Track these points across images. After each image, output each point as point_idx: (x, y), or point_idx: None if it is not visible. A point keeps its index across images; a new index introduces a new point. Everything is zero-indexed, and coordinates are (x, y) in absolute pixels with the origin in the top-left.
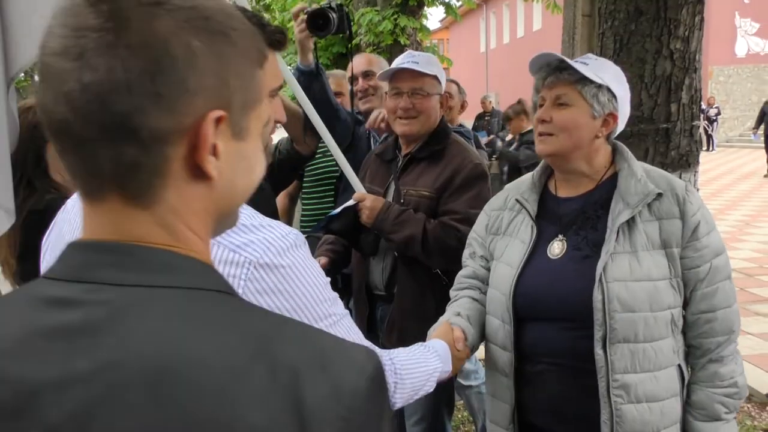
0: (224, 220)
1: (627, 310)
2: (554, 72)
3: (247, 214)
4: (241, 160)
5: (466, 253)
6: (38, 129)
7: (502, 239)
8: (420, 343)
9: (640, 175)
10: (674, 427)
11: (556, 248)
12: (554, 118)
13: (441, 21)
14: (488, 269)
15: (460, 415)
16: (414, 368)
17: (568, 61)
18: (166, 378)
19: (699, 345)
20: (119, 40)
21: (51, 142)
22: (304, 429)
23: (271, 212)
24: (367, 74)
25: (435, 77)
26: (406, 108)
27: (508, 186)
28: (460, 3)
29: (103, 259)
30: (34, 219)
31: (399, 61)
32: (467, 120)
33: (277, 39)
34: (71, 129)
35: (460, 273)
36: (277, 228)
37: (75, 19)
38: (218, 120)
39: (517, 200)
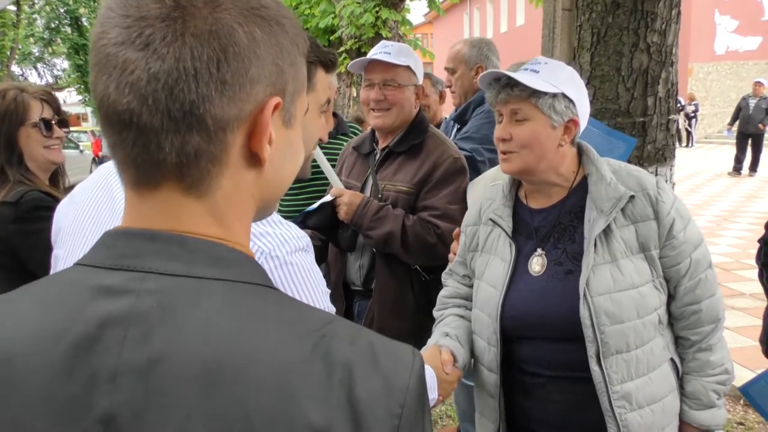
0: (266, 208)
1: (616, 322)
2: (505, 88)
3: None
4: (289, 147)
5: (444, 273)
6: (9, 115)
7: (481, 256)
8: None
9: (609, 178)
10: (676, 420)
11: (537, 265)
12: (514, 136)
13: (425, 15)
14: (470, 286)
15: (438, 410)
16: None
17: (516, 77)
18: (224, 372)
19: (687, 336)
20: (186, 29)
21: (107, 133)
22: (359, 425)
23: None
24: None
25: (408, 68)
26: (378, 100)
27: (488, 180)
28: None
29: (150, 247)
30: (5, 211)
31: (372, 52)
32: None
33: (330, 60)
34: (136, 118)
35: (441, 293)
36: (294, 228)
37: (137, 9)
38: (275, 107)
39: (491, 219)
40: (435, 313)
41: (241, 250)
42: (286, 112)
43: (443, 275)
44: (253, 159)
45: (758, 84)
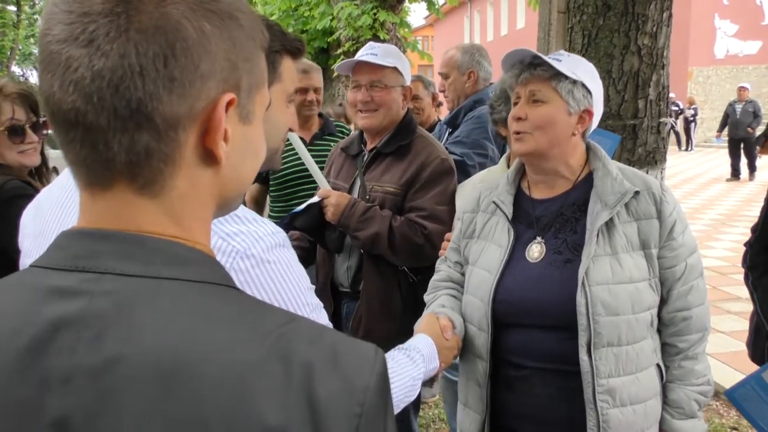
0: (227, 206)
1: (611, 313)
2: (528, 68)
3: (241, 207)
4: (247, 144)
5: (439, 260)
6: None
7: (476, 243)
8: (399, 348)
9: (616, 173)
10: (656, 425)
11: (535, 251)
12: (530, 116)
13: (425, 18)
14: (463, 274)
15: (430, 413)
16: (394, 382)
17: (543, 56)
18: (180, 373)
19: (675, 343)
20: (131, 24)
21: (56, 132)
22: (318, 425)
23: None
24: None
25: (395, 69)
26: (365, 101)
27: (476, 182)
28: (443, 1)
29: (105, 247)
30: None
31: (359, 54)
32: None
33: (296, 47)
34: (82, 117)
35: (434, 278)
36: (268, 225)
37: (80, 5)
38: (229, 103)
39: (494, 202)
40: (426, 297)
41: (201, 249)
42: (242, 108)
43: (437, 262)
44: (209, 157)
45: (743, 89)
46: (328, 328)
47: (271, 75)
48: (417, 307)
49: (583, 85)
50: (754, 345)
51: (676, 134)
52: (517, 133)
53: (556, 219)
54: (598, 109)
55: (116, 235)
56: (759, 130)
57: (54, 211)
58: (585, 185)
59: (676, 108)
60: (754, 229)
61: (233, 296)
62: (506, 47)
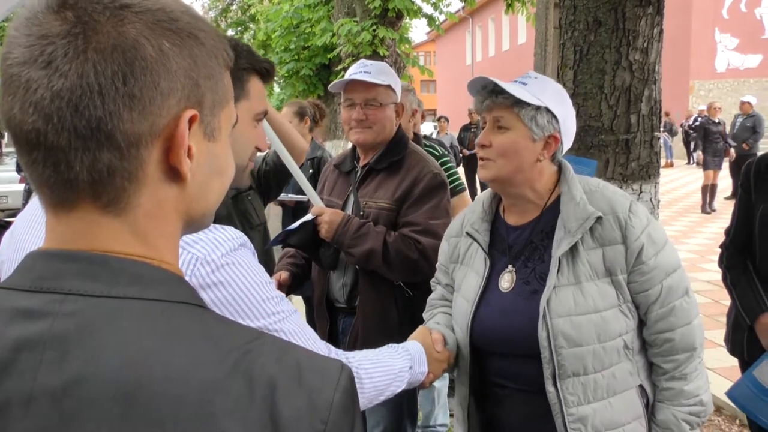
0: (195, 223)
1: (573, 345)
2: (490, 95)
3: None
4: (213, 160)
5: (433, 280)
6: None
7: (460, 268)
8: (390, 345)
9: (579, 198)
10: None
11: (506, 281)
12: (493, 143)
13: (427, 33)
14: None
15: None
16: (375, 369)
17: (502, 84)
18: (141, 393)
19: (660, 364)
20: (88, 45)
21: (19, 154)
22: None
23: (261, 222)
24: None
25: (388, 86)
26: (360, 119)
27: (467, 209)
28: (443, 17)
29: (70, 268)
30: None
31: (351, 72)
32: (452, 131)
33: (265, 68)
34: (43, 138)
35: (430, 296)
36: (227, 230)
37: (39, 27)
38: (191, 120)
39: (467, 232)
40: (424, 315)
41: (167, 269)
42: (206, 124)
43: (432, 281)
44: (174, 174)
45: (743, 103)
46: (294, 344)
47: (238, 91)
48: (414, 322)
49: (548, 110)
50: (732, 339)
51: (692, 147)
52: (482, 159)
53: (526, 247)
54: (567, 132)
55: (81, 255)
56: (761, 145)
57: (25, 237)
58: (554, 209)
59: (685, 122)
60: (727, 232)
61: (197, 314)
62: (508, 62)
